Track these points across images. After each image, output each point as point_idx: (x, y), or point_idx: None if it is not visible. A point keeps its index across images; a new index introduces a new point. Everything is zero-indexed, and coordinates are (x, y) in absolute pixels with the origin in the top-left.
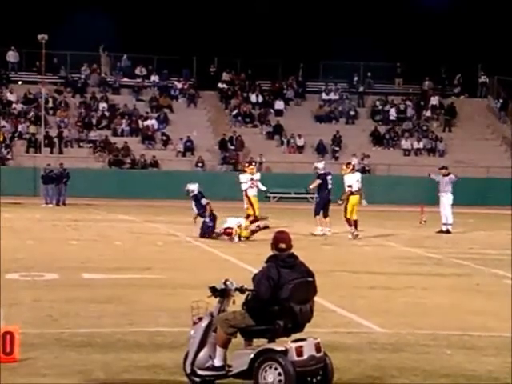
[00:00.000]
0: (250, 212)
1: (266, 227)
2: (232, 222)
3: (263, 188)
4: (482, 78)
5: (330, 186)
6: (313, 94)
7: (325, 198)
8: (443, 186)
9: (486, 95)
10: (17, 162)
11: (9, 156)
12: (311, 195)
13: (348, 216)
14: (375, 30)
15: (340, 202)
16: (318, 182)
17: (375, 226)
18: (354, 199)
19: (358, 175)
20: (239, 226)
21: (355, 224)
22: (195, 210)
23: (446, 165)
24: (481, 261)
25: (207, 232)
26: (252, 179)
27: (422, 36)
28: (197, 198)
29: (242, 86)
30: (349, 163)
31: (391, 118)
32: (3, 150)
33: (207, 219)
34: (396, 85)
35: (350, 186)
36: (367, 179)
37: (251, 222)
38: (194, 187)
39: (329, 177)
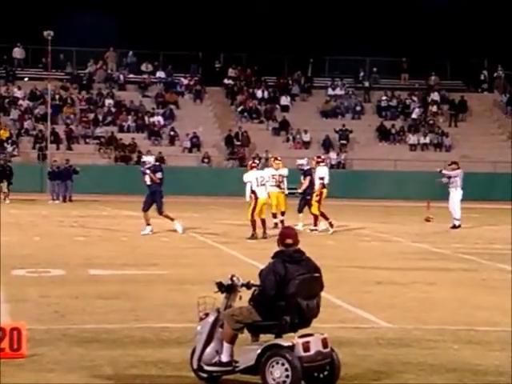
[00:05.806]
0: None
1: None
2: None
3: (282, 186)
4: (499, 73)
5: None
6: (319, 90)
7: (312, 194)
8: (453, 182)
9: (493, 89)
10: (23, 158)
11: (15, 152)
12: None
13: (318, 211)
14: (381, 26)
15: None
16: (308, 179)
17: (382, 222)
18: (325, 193)
19: (326, 169)
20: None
21: (316, 219)
22: (148, 183)
23: (453, 160)
24: (487, 256)
25: (148, 206)
26: (275, 175)
27: (427, 31)
28: (155, 170)
29: (248, 82)
30: (319, 156)
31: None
32: (9, 146)
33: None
34: (402, 80)
35: (322, 179)
36: (374, 174)
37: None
38: (150, 159)
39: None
